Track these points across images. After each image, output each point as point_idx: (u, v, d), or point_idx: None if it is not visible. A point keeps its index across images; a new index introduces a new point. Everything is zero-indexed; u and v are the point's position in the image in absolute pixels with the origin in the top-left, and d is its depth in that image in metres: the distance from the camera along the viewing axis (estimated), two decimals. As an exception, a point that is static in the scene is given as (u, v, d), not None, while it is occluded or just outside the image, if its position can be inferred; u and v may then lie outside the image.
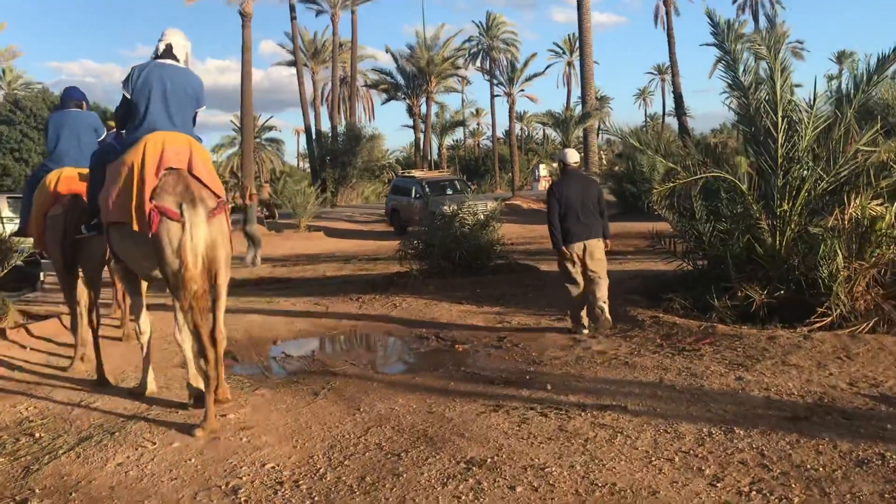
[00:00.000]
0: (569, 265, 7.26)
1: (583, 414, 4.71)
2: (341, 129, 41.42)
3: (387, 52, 37.63)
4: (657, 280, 8.77)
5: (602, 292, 7.26)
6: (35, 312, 10.07)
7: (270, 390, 5.79)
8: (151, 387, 5.88)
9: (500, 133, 57.19)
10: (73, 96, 7.22)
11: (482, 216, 11.33)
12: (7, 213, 16.77)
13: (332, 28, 40.64)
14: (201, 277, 4.67)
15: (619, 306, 8.15)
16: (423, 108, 37.20)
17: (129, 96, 5.09)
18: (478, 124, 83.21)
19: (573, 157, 7.54)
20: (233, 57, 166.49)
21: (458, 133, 62.95)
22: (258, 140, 55.48)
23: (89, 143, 6.74)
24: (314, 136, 40.87)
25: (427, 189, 22.59)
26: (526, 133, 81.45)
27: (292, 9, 39.99)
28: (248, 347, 7.59)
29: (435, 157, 43.49)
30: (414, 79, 35.27)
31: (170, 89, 5.05)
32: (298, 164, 63.66)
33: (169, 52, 5.25)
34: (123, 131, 5.30)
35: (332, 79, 41.39)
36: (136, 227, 4.78)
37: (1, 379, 6.54)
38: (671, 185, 7.56)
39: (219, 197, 4.93)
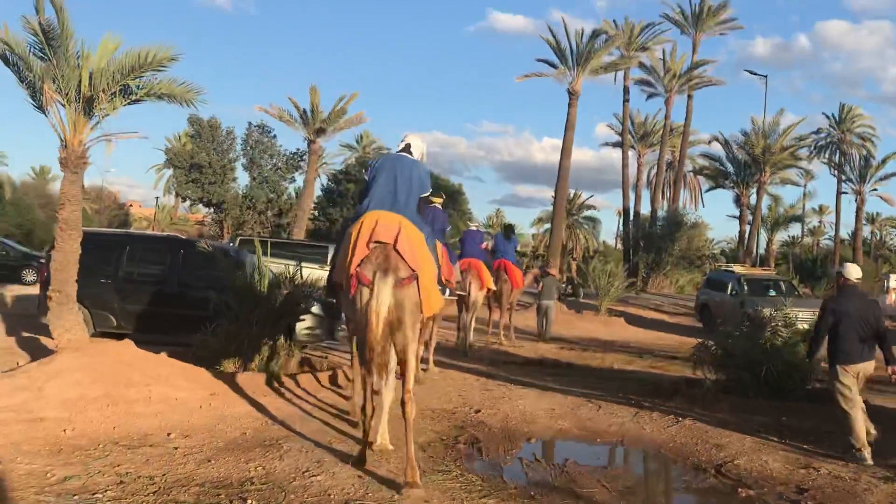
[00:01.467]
0: (846, 387, 6.78)
1: None
2: (662, 213, 39.97)
3: (714, 140, 35.70)
4: None
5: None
6: (325, 360, 10.40)
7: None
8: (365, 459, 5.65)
9: (844, 234, 51.38)
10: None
11: (805, 326, 9.57)
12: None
13: (664, 111, 39.80)
14: (382, 338, 5.28)
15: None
16: (754, 199, 34.46)
17: (367, 178, 6.10)
18: (820, 222, 75.77)
19: (855, 272, 7.14)
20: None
21: (794, 229, 57.67)
22: (575, 217, 55.83)
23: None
24: (632, 218, 39.94)
25: (745, 287, 20.39)
26: (878, 237, 72.42)
27: (626, 91, 39.96)
28: (499, 439, 6.88)
29: (762, 252, 40.02)
30: (745, 167, 32.65)
31: (398, 177, 5.90)
32: (616, 245, 62.97)
33: (407, 149, 6.33)
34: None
35: (659, 162, 40.24)
36: (347, 289, 5.57)
37: (253, 429, 6.55)
38: None
39: (413, 270, 5.45)
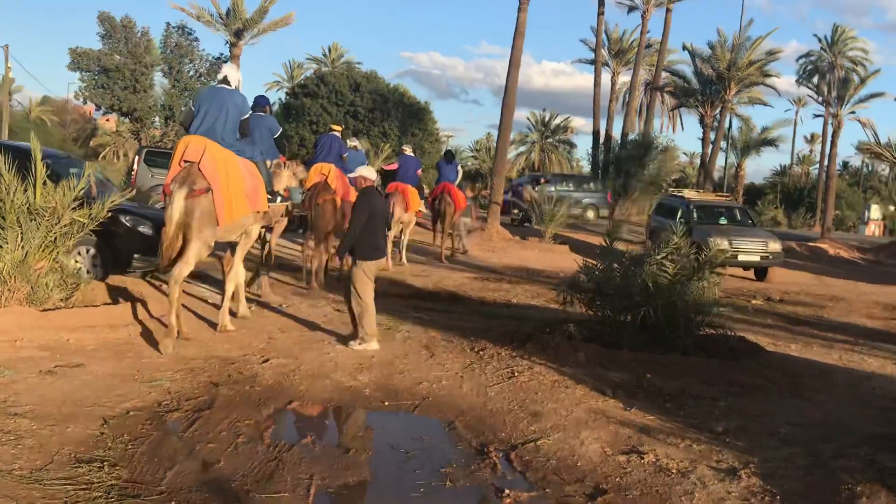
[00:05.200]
0: (372, 280, 7.20)
1: None
2: (634, 136, 37.84)
3: (683, 48, 33.04)
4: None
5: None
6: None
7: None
8: None
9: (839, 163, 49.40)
10: (259, 103, 8.98)
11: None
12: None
13: (640, 26, 37.13)
14: (174, 238, 6.52)
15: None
16: (728, 121, 32.07)
17: (192, 109, 7.19)
18: (810, 150, 73.59)
19: (371, 173, 7.54)
20: (567, 59, 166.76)
21: (780, 156, 55.30)
22: (549, 140, 53.50)
23: (265, 138, 8.67)
24: (602, 141, 37.76)
25: (695, 214, 18.64)
26: (870, 168, 70.29)
27: (601, 3, 37.19)
28: (246, 404, 5.25)
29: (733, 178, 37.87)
30: (710, 84, 30.23)
31: (215, 105, 7.03)
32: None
33: (225, 80, 7.33)
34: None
35: (632, 81, 37.70)
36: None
37: None
38: None
39: (209, 183, 6.59)
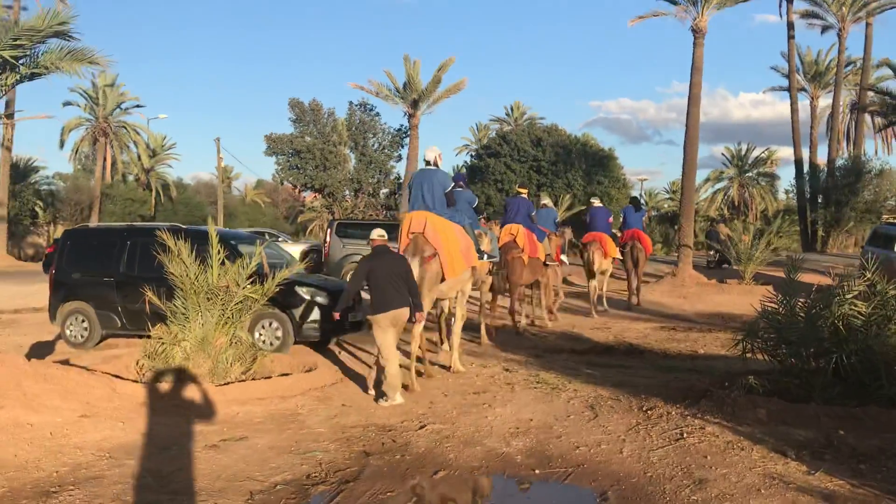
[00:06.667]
0: (384, 333, 7.25)
1: None
2: (842, 161, 34.83)
3: (881, 65, 29.81)
4: None
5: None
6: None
7: None
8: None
9: None
10: (456, 179, 9.55)
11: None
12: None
13: (837, 45, 34.40)
14: None
15: None
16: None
17: (409, 189, 8.74)
18: None
19: (378, 233, 7.59)
20: (763, 87, 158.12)
21: None
22: (749, 174, 50.48)
23: (464, 210, 9.31)
24: (806, 170, 35.00)
25: (916, 242, 16.65)
26: None
27: (790, 26, 34.89)
28: (392, 475, 5.17)
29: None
30: (922, 98, 27.08)
31: (425, 184, 8.42)
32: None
33: (427, 161, 8.74)
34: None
35: (834, 104, 34.80)
36: None
37: (72, 466, 5.28)
38: None
39: (435, 249, 8.07)
